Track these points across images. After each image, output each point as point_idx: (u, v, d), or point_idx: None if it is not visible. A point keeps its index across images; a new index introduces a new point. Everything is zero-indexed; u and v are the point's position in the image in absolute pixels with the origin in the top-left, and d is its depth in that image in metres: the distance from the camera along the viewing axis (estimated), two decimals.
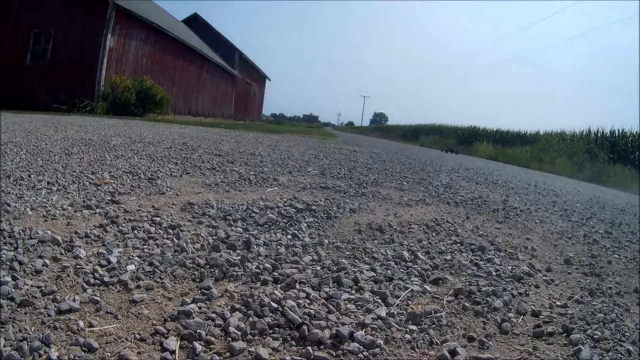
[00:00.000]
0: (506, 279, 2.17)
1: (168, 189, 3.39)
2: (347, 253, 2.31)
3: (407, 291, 1.89)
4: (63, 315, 1.38)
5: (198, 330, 1.36)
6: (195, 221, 2.62)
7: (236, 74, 33.97)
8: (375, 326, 1.52)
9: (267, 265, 1.98)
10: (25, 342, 1.20)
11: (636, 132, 16.50)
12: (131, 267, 1.80)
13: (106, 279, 1.67)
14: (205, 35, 32.13)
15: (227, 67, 31.23)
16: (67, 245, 1.95)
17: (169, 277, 1.77)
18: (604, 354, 1.52)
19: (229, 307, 1.55)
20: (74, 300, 1.46)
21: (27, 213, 2.36)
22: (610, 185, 11.87)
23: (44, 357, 1.16)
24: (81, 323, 1.34)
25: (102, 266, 1.79)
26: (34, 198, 2.69)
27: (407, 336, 1.49)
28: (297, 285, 1.80)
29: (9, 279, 1.53)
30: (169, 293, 1.64)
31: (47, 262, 1.74)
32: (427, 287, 1.96)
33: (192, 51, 24.41)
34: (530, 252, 2.78)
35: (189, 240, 2.22)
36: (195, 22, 33.67)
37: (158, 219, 2.53)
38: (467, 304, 1.81)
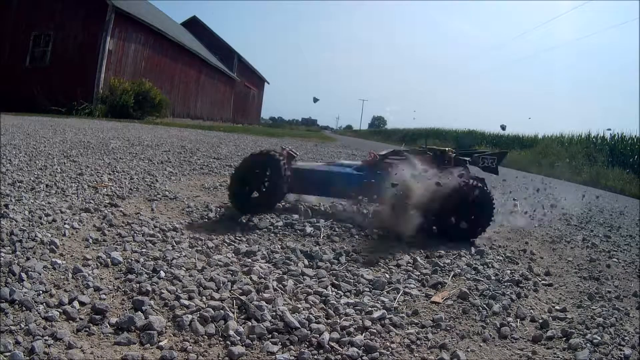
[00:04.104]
0: (505, 283, 2.17)
1: (167, 192, 3.39)
2: (348, 257, 2.31)
3: (406, 296, 1.89)
4: (61, 317, 1.38)
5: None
6: (195, 225, 2.62)
7: (235, 77, 34.00)
8: (375, 330, 1.52)
9: (266, 269, 1.97)
10: (20, 345, 1.20)
11: (635, 136, 16.55)
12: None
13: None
14: (204, 38, 32.18)
15: (225, 71, 31.25)
16: (67, 249, 1.95)
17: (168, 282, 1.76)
18: (603, 358, 1.53)
19: (230, 311, 1.54)
20: (71, 304, 1.46)
21: (25, 216, 2.35)
22: (609, 189, 11.88)
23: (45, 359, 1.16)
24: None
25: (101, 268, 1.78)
26: (32, 201, 2.68)
27: (406, 340, 1.49)
28: (297, 290, 1.80)
29: (8, 281, 1.53)
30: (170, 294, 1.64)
31: (47, 265, 1.74)
32: (427, 292, 1.96)
33: (191, 54, 24.43)
34: (529, 256, 2.77)
35: (187, 245, 2.22)
36: (194, 25, 33.72)
37: (156, 222, 2.53)
38: (466, 308, 1.81)
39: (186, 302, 1.56)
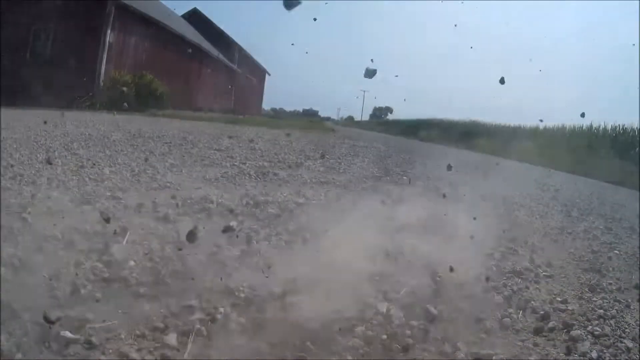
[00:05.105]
0: (507, 274, 2.17)
1: (168, 184, 3.39)
2: None
3: (408, 287, 1.88)
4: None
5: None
6: (195, 216, 2.61)
7: (236, 68, 33.85)
8: (376, 322, 1.52)
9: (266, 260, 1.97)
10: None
11: (636, 128, 16.45)
12: (131, 263, 1.80)
13: (106, 275, 1.67)
14: (205, 30, 31.98)
15: (227, 62, 31.11)
16: (67, 241, 1.95)
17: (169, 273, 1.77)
18: (604, 350, 1.52)
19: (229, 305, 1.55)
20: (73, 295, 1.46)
21: (26, 209, 2.35)
22: (610, 180, 11.84)
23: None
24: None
25: (102, 262, 1.79)
26: (33, 194, 2.69)
27: (408, 332, 1.49)
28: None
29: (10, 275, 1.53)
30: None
31: (48, 258, 1.74)
32: (428, 281, 1.96)
33: (192, 46, 24.30)
34: (530, 247, 2.77)
35: None
36: (195, 17, 33.51)
37: (158, 214, 2.53)
38: (467, 299, 1.81)
39: None
